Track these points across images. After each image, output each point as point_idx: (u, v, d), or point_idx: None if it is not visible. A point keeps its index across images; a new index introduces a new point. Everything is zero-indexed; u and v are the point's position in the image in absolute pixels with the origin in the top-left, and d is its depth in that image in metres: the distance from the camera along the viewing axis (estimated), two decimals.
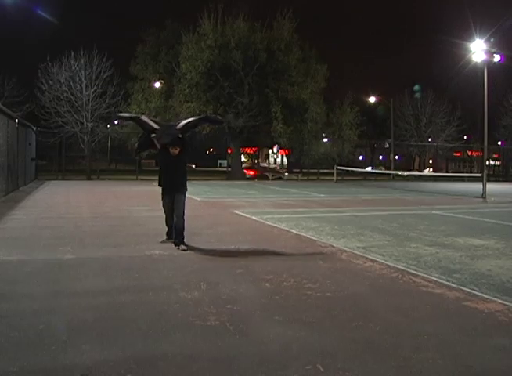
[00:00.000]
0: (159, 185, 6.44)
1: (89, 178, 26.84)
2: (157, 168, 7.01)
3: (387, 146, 45.23)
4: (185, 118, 6.39)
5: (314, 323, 3.47)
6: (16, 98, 29.96)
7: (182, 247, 6.13)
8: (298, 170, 37.13)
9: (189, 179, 6.31)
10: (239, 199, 14.41)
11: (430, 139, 41.47)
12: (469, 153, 49.21)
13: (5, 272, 4.85)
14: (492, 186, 20.04)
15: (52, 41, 57.37)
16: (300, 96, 28.79)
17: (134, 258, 5.55)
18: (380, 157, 58.96)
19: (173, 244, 6.29)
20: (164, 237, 6.63)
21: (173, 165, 6.26)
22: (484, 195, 16.56)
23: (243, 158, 43.53)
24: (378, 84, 78.68)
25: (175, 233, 6.29)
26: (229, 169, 32.41)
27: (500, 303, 4.03)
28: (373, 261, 5.68)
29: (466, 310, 3.86)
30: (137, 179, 26.68)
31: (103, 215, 9.87)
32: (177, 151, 6.11)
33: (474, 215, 10.84)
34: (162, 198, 6.46)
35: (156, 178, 6.53)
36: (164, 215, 6.57)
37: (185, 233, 6.30)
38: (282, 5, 35.46)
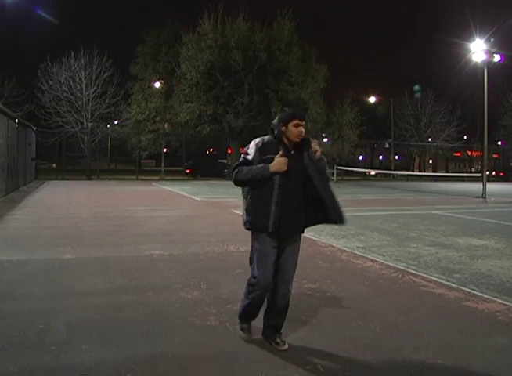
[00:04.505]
0: (251, 226, 3.08)
1: (89, 179, 26.84)
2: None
3: (387, 146, 45.24)
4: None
5: (314, 323, 3.47)
6: (16, 98, 30.00)
7: (283, 344, 3.06)
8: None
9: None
10: (239, 199, 14.40)
11: (430, 139, 41.49)
12: (469, 153, 49.22)
13: (5, 272, 4.85)
14: (492, 186, 20.03)
15: (52, 41, 57.50)
16: (300, 96, 28.81)
17: (134, 258, 5.55)
18: (380, 157, 58.95)
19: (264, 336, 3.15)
20: (245, 324, 3.21)
21: (293, 182, 3.00)
22: (484, 195, 16.56)
23: None
24: (378, 84, 78.76)
25: (278, 311, 3.11)
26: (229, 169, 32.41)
27: (500, 303, 4.03)
28: (373, 261, 5.68)
29: (466, 310, 3.86)
30: (137, 179, 26.67)
31: (103, 215, 9.87)
32: (302, 131, 2.99)
33: (474, 215, 10.84)
34: (258, 246, 3.03)
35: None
36: (259, 280, 2.97)
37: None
38: (282, 5, 35.50)
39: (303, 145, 3.02)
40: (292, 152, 3.01)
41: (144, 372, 2.66)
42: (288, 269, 3.06)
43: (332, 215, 3.05)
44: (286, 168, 2.93)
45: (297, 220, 3.03)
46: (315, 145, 3.03)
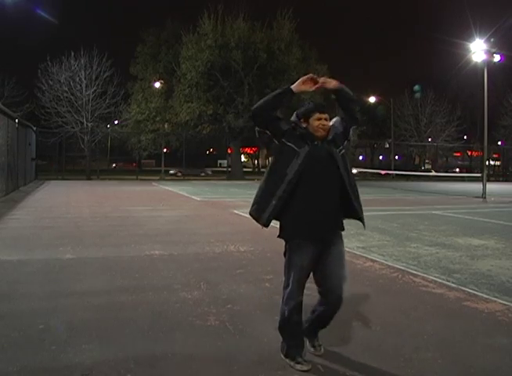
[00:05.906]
0: (264, 222, 2.73)
1: (89, 178, 26.84)
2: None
3: (387, 146, 45.24)
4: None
5: None
6: (16, 98, 30.04)
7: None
8: None
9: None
10: (239, 199, 14.40)
11: (430, 139, 41.50)
12: (469, 153, 49.23)
13: (5, 272, 4.85)
14: (491, 186, 20.03)
15: (52, 41, 57.54)
16: (300, 96, 28.83)
17: (134, 258, 5.55)
18: (380, 157, 58.93)
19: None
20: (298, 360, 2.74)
21: (325, 170, 2.69)
22: (484, 195, 16.56)
23: (243, 158, 43.54)
24: (378, 84, 78.82)
25: (325, 319, 3.01)
26: (229, 169, 32.42)
27: (500, 303, 4.03)
28: (373, 261, 5.67)
29: (467, 310, 3.86)
30: (137, 179, 26.67)
31: (103, 215, 9.87)
32: (327, 124, 2.71)
33: (474, 215, 10.83)
34: (292, 256, 2.78)
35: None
36: (293, 297, 2.87)
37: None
38: (282, 5, 35.50)
39: (333, 140, 2.74)
40: (317, 143, 2.69)
41: (144, 372, 2.66)
42: (336, 272, 3.03)
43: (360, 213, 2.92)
44: (308, 88, 2.71)
45: (336, 218, 2.89)
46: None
